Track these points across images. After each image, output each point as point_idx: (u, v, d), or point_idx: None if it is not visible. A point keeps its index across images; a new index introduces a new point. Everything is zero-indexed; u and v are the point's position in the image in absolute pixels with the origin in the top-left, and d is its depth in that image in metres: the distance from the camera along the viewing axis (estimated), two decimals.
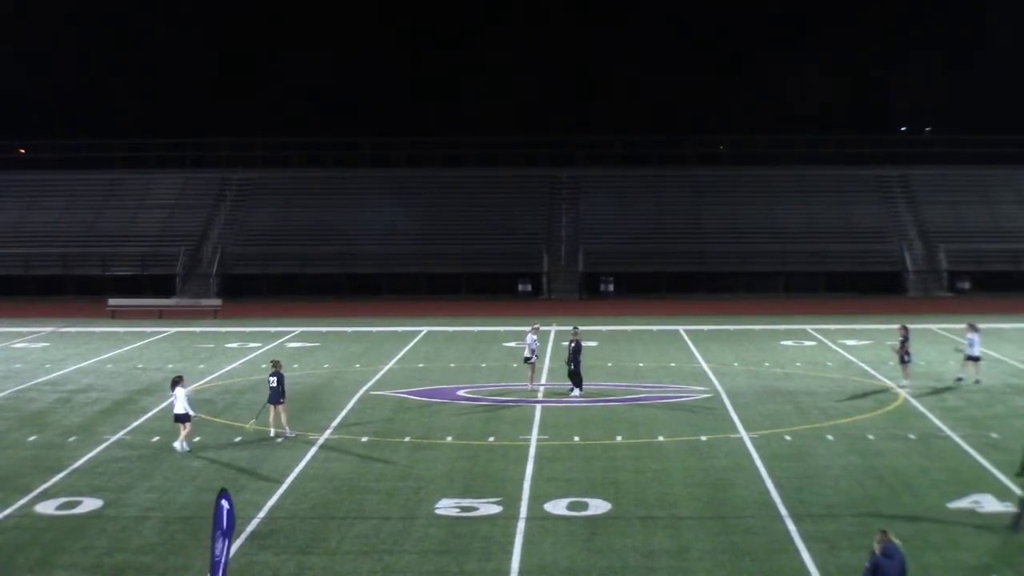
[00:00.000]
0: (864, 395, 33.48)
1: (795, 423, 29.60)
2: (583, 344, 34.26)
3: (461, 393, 34.30)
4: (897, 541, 15.54)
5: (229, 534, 16.40)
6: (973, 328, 35.39)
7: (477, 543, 19.95)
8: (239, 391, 34.61)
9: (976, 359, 35.24)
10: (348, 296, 64.97)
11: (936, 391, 33.77)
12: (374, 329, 50.59)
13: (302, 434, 28.31)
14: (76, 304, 61.46)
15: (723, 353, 42.12)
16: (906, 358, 34.39)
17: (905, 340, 34.42)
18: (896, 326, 37.14)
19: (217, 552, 16.06)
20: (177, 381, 27.21)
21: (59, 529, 20.99)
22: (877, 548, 15.39)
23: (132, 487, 23.69)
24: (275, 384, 27.96)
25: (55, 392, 35.03)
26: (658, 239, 69.12)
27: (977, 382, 34.75)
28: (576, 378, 33.57)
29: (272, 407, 28.17)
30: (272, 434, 28.10)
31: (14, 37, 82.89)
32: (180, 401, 26.69)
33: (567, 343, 34.34)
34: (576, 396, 33.19)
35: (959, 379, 34.98)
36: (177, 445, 26.72)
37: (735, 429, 28.90)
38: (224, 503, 16.21)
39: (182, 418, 26.80)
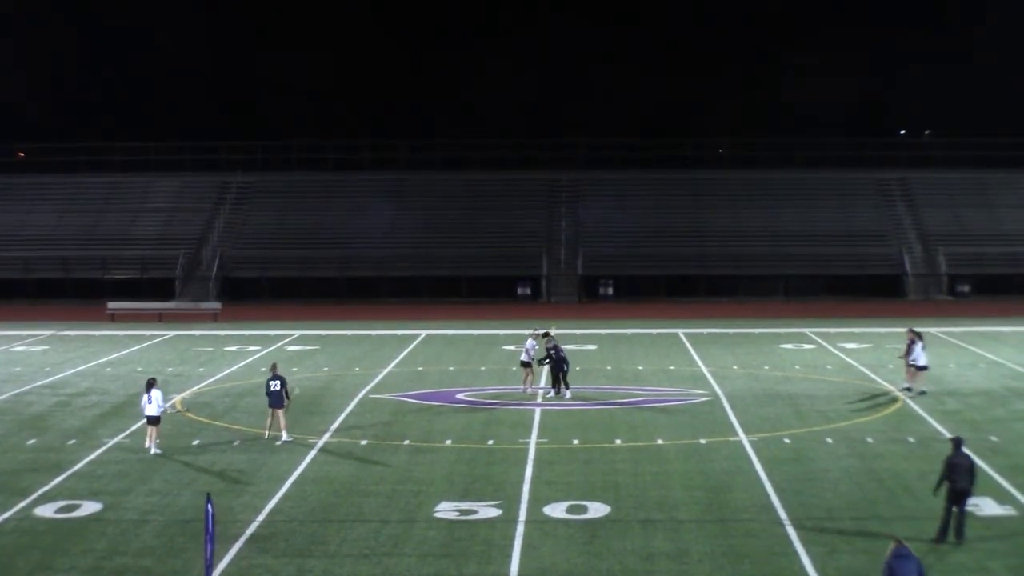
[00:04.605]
0: (863, 398, 33.47)
1: (794, 426, 29.60)
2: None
3: (460, 396, 34.29)
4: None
5: (212, 537, 16.68)
6: (916, 335, 34.13)
7: (476, 546, 19.95)
8: (238, 394, 34.60)
9: (923, 368, 33.94)
10: (348, 299, 64.94)
11: (935, 395, 33.73)
12: (373, 332, 50.59)
13: (300, 437, 28.31)
14: (76, 307, 61.42)
15: (722, 356, 42.11)
16: (911, 361, 34.13)
17: (912, 343, 34.14)
18: (904, 330, 36.83)
19: (208, 555, 16.37)
20: (152, 383, 27.25)
21: (58, 532, 21.00)
22: (889, 554, 15.65)
23: (131, 490, 23.70)
24: (277, 388, 27.94)
25: (54, 395, 35.02)
26: (658, 242, 69.11)
27: (922, 393, 33.52)
28: (564, 379, 33.63)
29: (272, 411, 28.15)
30: (267, 436, 28.10)
31: (15, 39, 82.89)
32: (155, 403, 26.76)
33: (551, 349, 34.05)
34: (567, 398, 33.24)
35: (906, 388, 33.87)
36: (152, 448, 26.77)
37: (734, 432, 28.89)
38: (209, 507, 16.47)
39: (155, 420, 26.83)
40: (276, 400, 27.97)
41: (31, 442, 28.41)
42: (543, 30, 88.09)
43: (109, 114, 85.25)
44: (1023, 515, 21.71)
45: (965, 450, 20.45)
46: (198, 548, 19.58)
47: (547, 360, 33.91)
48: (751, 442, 27.65)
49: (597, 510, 21.96)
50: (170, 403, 32.73)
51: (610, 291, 66.27)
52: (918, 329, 35.48)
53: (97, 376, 38.77)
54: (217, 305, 58.34)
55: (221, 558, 19.03)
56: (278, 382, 27.98)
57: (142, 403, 27.18)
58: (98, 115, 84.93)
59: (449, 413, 31.74)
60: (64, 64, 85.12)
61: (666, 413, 31.57)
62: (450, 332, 50.32)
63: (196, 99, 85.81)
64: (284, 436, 27.99)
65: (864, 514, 21.77)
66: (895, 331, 43.53)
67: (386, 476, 24.72)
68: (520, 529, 20.88)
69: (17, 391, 35.79)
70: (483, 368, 39.87)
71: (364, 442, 28.05)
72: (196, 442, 28.13)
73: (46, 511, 22.31)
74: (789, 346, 45.02)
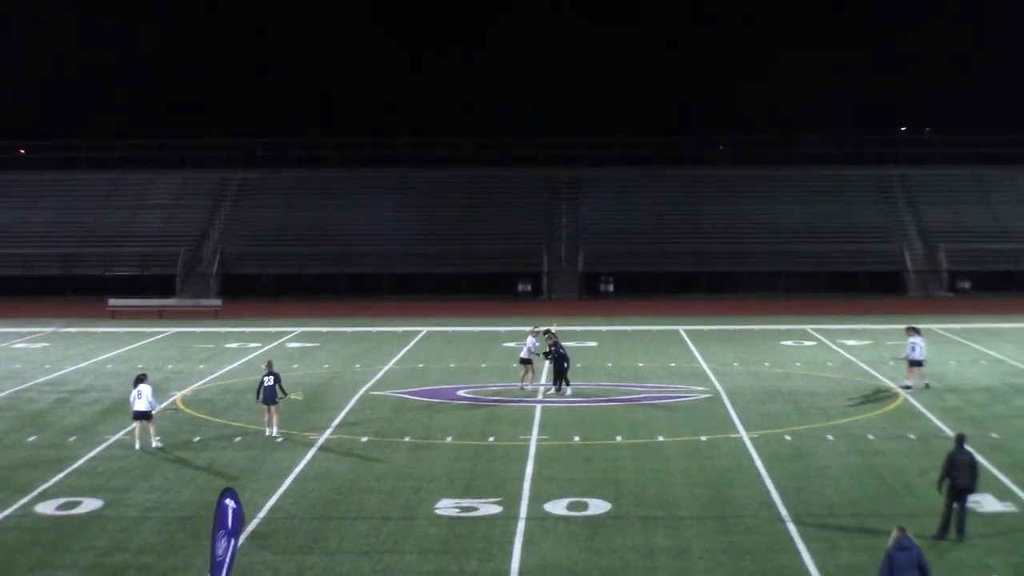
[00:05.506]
0: (864, 395, 33.47)
1: (795, 423, 29.60)
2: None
3: (461, 393, 34.30)
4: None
5: (236, 533, 16.32)
6: (915, 332, 34.35)
7: (477, 543, 19.95)
8: (239, 391, 34.58)
9: (919, 363, 33.95)
10: (348, 296, 64.96)
11: (936, 391, 33.72)
12: (374, 329, 50.59)
13: (301, 434, 28.32)
14: (76, 304, 61.41)
15: (723, 353, 42.11)
16: (910, 356, 34.08)
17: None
18: (903, 327, 36.81)
19: (219, 552, 15.92)
20: (142, 378, 27.24)
21: (59, 529, 21.00)
22: (891, 543, 15.67)
23: (132, 487, 23.70)
24: (271, 383, 27.96)
25: (55, 392, 35.03)
26: (658, 239, 69.13)
27: (926, 387, 33.73)
28: (564, 376, 33.68)
29: (267, 407, 28.14)
30: (270, 434, 28.11)
31: (14, 37, 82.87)
32: (145, 398, 26.74)
33: (552, 345, 34.13)
34: (568, 395, 33.29)
35: (907, 386, 33.84)
36: (153, 443, 26.79)
37: (735, 429, 28.89)
38: (230, 502, 16.10)
39: (144, 416, 26.82)
40: (270, 396, 28.00)
41: (32, 439, 28.42)
42: (543, 27, 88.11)
43: (109, 111, 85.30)
44: None
45: (967, 447, 20.43)
46: (199, 545, 19.58)
47: (549, 355, 33.99)
48: (752, 439, 27.65)
49: (598, 507, 21.96)
50: (170, 400, 32.80)
51: (611, 288, 66.25)
52: (916, 326, 35.48)
53: (97, 373, 38.78)
54: (218, 302, 58.31)
55: None
56: (272, 378, 28.01)
57: (131, 398, 27.18)
58: (98, 112, 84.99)
59: (450, 410, 31.74)
60: (64, 61, 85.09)
61: (667, 410, 31.57)
62: (451, 329, 50.32)
63: (197, 96, 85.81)
64: (275, 431, 28.02)
65: (865, 511, 21.77)
66: (896, 328, 43.46)
67: (386, 473, 24.72)
68: (521, 526, 20.87)
69: (18, 388, 35.81)
70: (484, 365, 39.87)
71: (364, 439, 28.06)
72: (197, 439, 28.14)
73: (47, 508, 22.31)
74: (790, 343, 45.02)
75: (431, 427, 29.42)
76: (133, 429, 27.41)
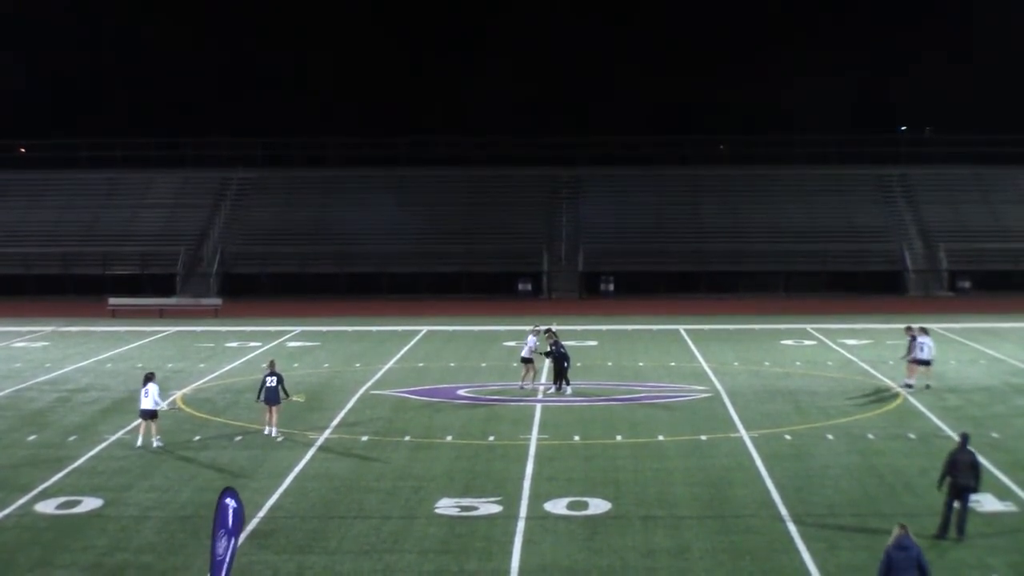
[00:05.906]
0: (864, 395, 33.47)
1: (795, 423, 29.60)
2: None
3: (461, 392, 34.30)
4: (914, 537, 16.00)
5: (236, 532, 16.31)
6: (924, 332, 34.38)
7: (477, 542, 19.95)
8: (239, 391, 34.58)
9: (927, 363, 33.97)
10: (348, 295, 64.95)
11: (936, 391, 33.71)
12: (374, 328, 50.58)
13: (301, 434, 28.32)
14: (76, 303, 61.42)
15: (723, 352, 42.11)
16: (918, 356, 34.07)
17: (913, 340, 34.20)
18: (903, 326, 36.84)
19: (220, 551, 15.91)
20: (150, 377, 27.31)
21: (59, 528, 21.00)
22: (892, 541, 15.69)
23: (132, 486, 23.69)
24: (274, 384, 27.94)
25: (55, 391, 35.02)
26: (658, 238, 69.08)
27: (927, 387, 33.77)
28: (564, 375, 33.72)
29: (269, 407, 28.11)
30: (269, 433, 28.10)
31: (14, 37, 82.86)
32: (151, 397, 26.81)
33: (552, 345, 34.19)
34: (568, 394, 33.32)
35: (908, 385, 33.83)
36: (153, 442, 26.85)
37: (735, 429, 28.89)
38: (231, 501, 16.07)
39: (150, 414, 26.89)
40: (272, 396, 27.97)
41: (32, 438, 28.41)
42: (543, 27, 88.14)
43: (109, 111, 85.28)
44: None
45: (970, 447, 20.43)
46: (199, 544, 19.58)
47: (550, 354, 34.01)
48: (752, 438, 27.65)
49: (598, 506, 21.96)
50: (171, 399, 32.78)
51: (611, 287, 66.28)
52: (921, 325, 35.46)
53: (98, 372, 38.78)
54: (218, 301, 58.33)
55: None
56: (275, 379, 28.00)
57: (140, 396, 27.25)
58: (98, 112, 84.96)
59: (450, 409, 31.74)
60: (64, 61, 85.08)
61: (667, 409, 31.57)
62: (451, 328, 50.32)
63: (197, 96, 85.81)
64: (274, 432, 28.00)
65: (865, 510, 21.77)
66: (896, 327, 43.48)
67: (386, 472, 24.73)
68: (521, 525, 20.87)
69: (18, 387, 35.80)
70: (484, 364, 39.87)
71: (365, 438, 28.06)
72: (197, 438, 28.14)
73: (47, 507, 22.31)
74: (790, 342, 45.01)
75: (431, 426, 29.42)
76: (137, 427, 27.45)
